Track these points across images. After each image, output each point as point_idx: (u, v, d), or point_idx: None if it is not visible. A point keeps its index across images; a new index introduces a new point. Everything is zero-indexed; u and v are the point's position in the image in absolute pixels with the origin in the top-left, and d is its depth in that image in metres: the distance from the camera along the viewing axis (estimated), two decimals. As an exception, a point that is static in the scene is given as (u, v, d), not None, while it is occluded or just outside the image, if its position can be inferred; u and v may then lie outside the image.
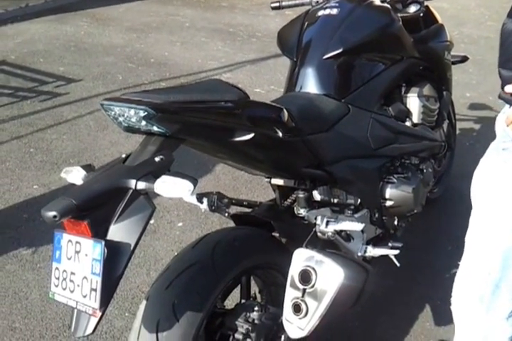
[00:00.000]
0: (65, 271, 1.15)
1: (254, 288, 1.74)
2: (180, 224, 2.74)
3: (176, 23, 6.25)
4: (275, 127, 1.41)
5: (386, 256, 1.95)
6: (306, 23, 1.97)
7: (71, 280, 1.13)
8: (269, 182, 1.79)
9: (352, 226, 1.61)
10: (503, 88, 1.33)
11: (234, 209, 1.78)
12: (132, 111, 1.17)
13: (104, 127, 3.73)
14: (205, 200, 1.59)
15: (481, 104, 4.14)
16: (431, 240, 2.66)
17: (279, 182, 1.75)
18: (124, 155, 1.27)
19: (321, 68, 1.85)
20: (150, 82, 4.44)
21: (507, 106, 1.37)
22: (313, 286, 1.37)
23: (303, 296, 1.38)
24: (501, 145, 1.34)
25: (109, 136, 3.60)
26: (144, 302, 1.36)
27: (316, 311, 1.36)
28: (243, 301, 1.61)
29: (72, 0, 6.74)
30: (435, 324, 2.19)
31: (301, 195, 1.76)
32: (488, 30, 6.13)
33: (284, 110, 1.42)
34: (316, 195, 1.81)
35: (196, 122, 1.26)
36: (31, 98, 4.11)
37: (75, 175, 1.24)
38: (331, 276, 1.36)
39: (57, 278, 1.16)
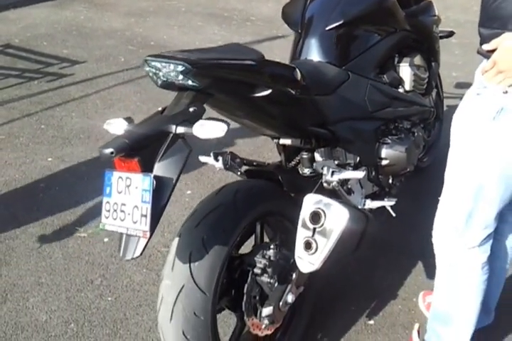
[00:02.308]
0: (115, 203, 1.33)
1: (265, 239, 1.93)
2: (188, 191, 2.94)
3: (172, 8, 6.41)
4: (289, 84, 1.60)
5: (381, 217, 2.15)
6: None
7: (122, 211, 1.31)
8: (277, 143, 1.98)
9: (354, 174, 1.81)
10: (481, 44, 1.53)
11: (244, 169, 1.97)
12: (172, 66, 1.35)
13: (110, 105, 3.91)
14: (220, 159, 1.78)
15: (466, 83, 4.34)
16: (421, 203, 2.87)
17: (287, 141, 1.92)
18: (160, 108, 1.46)
19: (323, 38, 2.04)
20: (151, 64, 4.58)
21: (484, 60, 1.57)
22: (322, 225, 1.54)
23: (313, 235, 1.56)
24: (476, 91, 1.56)
25: (115, 113, 3.76)
26: (177, 239, 1.55)
27: (324, 247, 1.54)
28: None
29: (70, -14, 6.85)
30: (427, 277, 2.41)
31: (305, 155, 1.95)
32: (474, 14, 6.17)
33: (297, 69, 1.61)
34: (318, 157, 2.00)
35: (224, 77, 1.45)
36: (38, 79, 4.27)
37: (117, 126, 1.41)
38: (338, 216, 1.54)
39: (108, 211, 1.34)
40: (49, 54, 4.72)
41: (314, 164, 1.93)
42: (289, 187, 1.86)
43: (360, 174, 1.81)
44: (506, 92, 1.45)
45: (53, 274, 2.34)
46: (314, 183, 1.86)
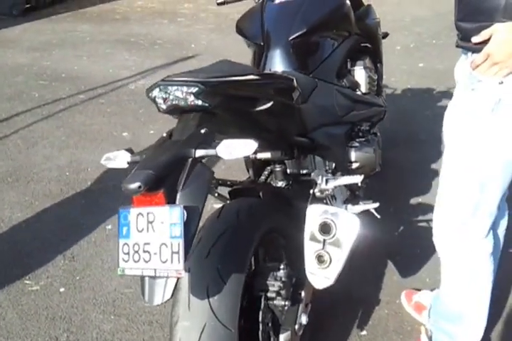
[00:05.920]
0: (136, 243, 1.17)
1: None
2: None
3: (76, 39, 6.24)
4: (288, 95, 1.55)
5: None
6: (266, 11, 2.10)
7: (145, 251, 1.16)
8: (254, 158, 1.86)
9: (351, 179, 1.75)
10: (461, 39, 1.54)
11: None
12: (185, 88, 1.30)
13: (33, 144, 3.68)
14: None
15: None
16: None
17: (266, 155, 1.82)
18: (164, 134, 1.36)
19: (288, 48, 1.98)
20: (68, 96, 4.41)
21: (463, 55, 1.58)
22: (333, 236, 1.47)
23: (323, 247, 1.48)
24: (470, 87, 1.53)
25: (40, 152, 3.56)
26: (187, 274, 1.37)
27: (339, 259, 1.46)
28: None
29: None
30: (401, 276, 2.38)
31: (278, 168, 1.89)
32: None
33: (294, 79, 1.54)
34: (289, 168, 1.93)
35: (232, 94, 1.39)
36: None
37: (120, 159, 1.30)
38: (350, 225, 1.48)
39: (127, 253, 1.18)
40: (-51, 99, 4.38)
41: (312, 173, 1.85)
42: (274, 201, 1.79)
43: (358, 178, 1.74)
44: (502, 83, 1.44)
45: (10, 337, 2.07)
46: (300, 193, 1.80)
